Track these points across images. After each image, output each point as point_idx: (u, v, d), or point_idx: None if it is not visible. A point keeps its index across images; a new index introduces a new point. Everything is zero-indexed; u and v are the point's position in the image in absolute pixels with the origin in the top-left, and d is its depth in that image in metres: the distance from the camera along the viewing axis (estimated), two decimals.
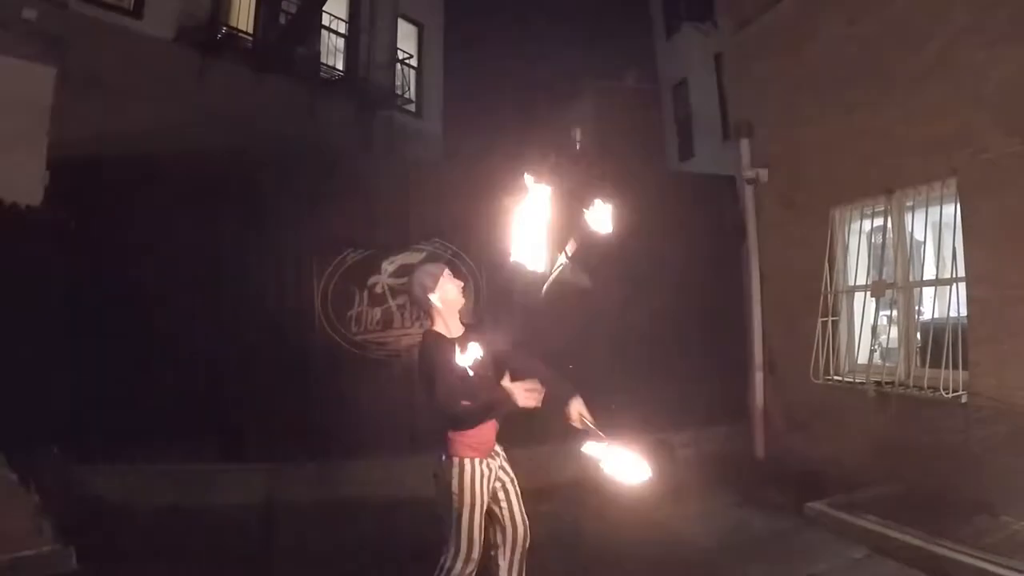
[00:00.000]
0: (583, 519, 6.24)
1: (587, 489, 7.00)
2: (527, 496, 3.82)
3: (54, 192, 6.70)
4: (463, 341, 3.58)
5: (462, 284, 3.78)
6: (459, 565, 3.55)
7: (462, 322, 3.80)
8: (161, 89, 9.69)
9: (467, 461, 3.57)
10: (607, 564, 5.32)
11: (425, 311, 3.80)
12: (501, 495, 3.72)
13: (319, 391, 7.20)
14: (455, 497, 3.55)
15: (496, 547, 3.74)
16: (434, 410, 3.57)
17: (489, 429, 3.67)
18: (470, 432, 3.56)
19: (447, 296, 3.69)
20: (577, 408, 3.68)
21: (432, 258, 7.45)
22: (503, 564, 3.71)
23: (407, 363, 7.34)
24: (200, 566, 5.24)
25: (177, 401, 6.79)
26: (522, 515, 3.76)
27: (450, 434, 3.57)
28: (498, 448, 3.76)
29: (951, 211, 5.95)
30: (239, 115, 10.35)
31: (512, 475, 3.78)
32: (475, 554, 3.57)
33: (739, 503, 6.66)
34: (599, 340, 7.92)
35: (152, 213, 6.88)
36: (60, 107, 7.15)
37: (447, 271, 3.75)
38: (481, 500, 3.60)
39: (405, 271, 7.45)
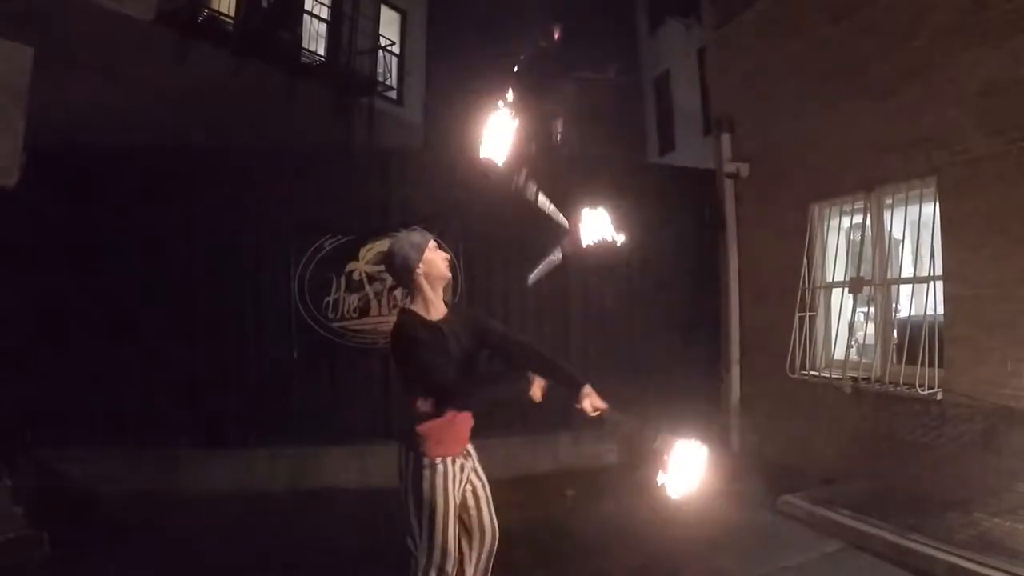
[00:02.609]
0: (555, 510, 6.24)
1: (560, 480, 7.07)
2: (500, 487, 3.57)
3: (30, 174, 6.57)
4: (447, 323, 3.26)
5: (449, 257, 3.43)
6: None
7: (445, 302, 3.38)
8: (140, 71, 9.55)
9: (439, 461, 3.18)
10: (579, 555, 5.31)
11: (408, 288, 3.33)
12: (471, 501, 3.36)
13: (295, 377, 7.15)
14: (426, 504, 3.15)
15: (461, 554, 3.37)
16: (411, 396, 3.20)
17: (463, 421, 3.30)
18: (441, 426, 3.17)
19: (433, 270, 3.25)
20: (590, 401, 3.12)
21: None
22: (469, 571, 3.39)
23: (384, 350, 7.30)
24: (174, 552, 5.17)
25: (152, 386, 6.73)
26: (491, 519, 3.42)
27: (420, 430, 3.17)
28: (470, 447, 3.39)
29: (930, 210, 5.98)
30: (219, 99, 10.24)
31: (484, 478, 3.43)
32: (449, 565, 3.19)
33: (713, 496, 6.66)
34: (575, 333, 7.92)
35: (129, 198, 6.81)
36: (37, 87, 7.01)
37: (433, 242, 3.31)
38: (455, 507, 3.23)
39: (383, 258, 7.41)
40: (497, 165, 3.11)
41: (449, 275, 3.35)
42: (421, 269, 3.23)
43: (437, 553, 3.16)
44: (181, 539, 5.44)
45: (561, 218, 3.33)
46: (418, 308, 3.28)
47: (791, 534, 5.57)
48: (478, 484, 3.43)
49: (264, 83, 11.66)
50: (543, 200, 3.27)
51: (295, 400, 7.12)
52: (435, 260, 3.26)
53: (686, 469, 3.01)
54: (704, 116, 15.12)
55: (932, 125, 5.89)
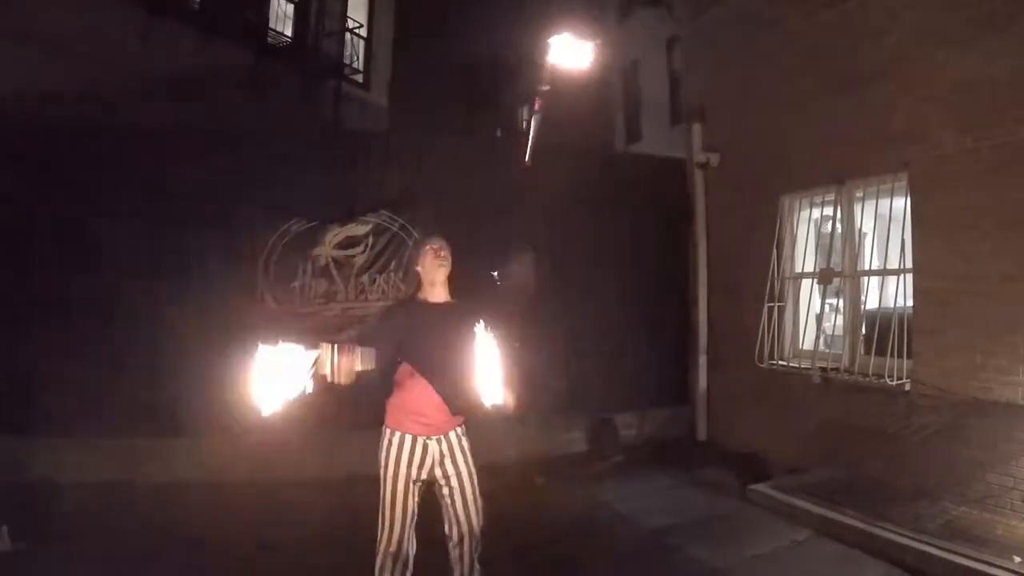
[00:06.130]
0: (524, 498, 6.21)
1: (528, 468, 7.04)
2: None
3: None
4: (444, 308, 3.75)
5: (442, 263, 3.78)
6: (381, 543, 3.53)
7: (452, 296, 3.84)
8: (103, 48, 9.24)
9: (396, 433, 3.57)
10: (547, 543, 5.29)
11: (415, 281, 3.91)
12: (444, 489, 3.64)
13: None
14: (380, 470, 3.57)
15: (448, 539, 3.68)
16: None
17: (420, 403, 3.56)
18: (398, 402, 3.59)
19: (424, 270, 3.79)
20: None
21: (379, 230, 7.37)
22: (453, 556, 3.65)
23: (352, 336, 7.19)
24: (138, 545, 5.02)
25: (114, 374, 6.51)
26: (467, 513, 3.64)
27: (387, 401, 3.63)
28: (454, 435, 3.67)
29: (900, 203, 6.04)
30: (184, 78, 9.97)
31: (464, 469, 3.66)
32: (396, 535, 3.52)
33: (682, 484, 6.73)
34: (544, 321, 7.85)
35: (89, 180, 6.59)
36: None
37: (432, 247, 3.80)
38: (405, 478, 3.54)
39: (350, 243, 7.31)
40: None
41: (438, 274, 3.79)
42: (419, 267, 3.82)
43: (386, 524, 3.54)
44: (145, 531, 5.28)
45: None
46: (419, 294, 3.85)
47: (761, 522, 5.62)
48: (453, 474, 3.63)
49: (230, 63, 11.39)
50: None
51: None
52: (425, 261, 3.78)
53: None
54: (671, 106, 15.16)
55: (904, 121, 5.95)
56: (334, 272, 7.29)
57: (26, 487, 5.69)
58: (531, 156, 3.91)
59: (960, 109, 5.53)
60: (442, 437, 3.61)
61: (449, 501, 3.63)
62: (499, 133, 21.55)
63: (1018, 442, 5.05)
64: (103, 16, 9.44)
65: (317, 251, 7.24)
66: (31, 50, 7.85)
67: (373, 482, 3.61)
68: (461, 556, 3.63)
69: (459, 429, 3.70)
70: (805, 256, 7.09)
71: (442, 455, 3.60)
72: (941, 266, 5.68)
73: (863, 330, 6.54)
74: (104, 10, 9.50)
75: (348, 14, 14.65)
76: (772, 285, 7.21)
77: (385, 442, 3.58)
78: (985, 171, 5.33)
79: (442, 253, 3.77)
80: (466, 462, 3.67)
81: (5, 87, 6.76)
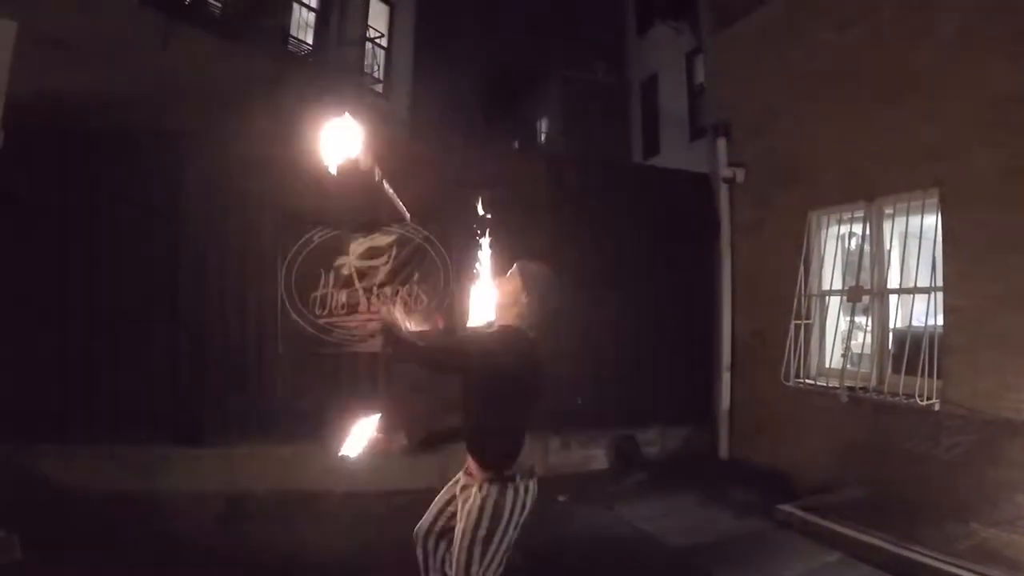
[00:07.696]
0: (545, 517, 6.14)
1: (550, 485, 6.96)
2: None
3: (7, 155, 6.30)
4: None
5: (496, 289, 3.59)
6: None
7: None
8: (125, 53, 9.29)
9: None
10: (574, 564, 5.22)
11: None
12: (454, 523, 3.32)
13: (279, 374, 6.97)
14: None
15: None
16: None
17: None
18: None
19: None
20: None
21: (403, 241, 7.32)
22: None
23: (373, 348, 7.16)
24: (153, 556, 4.96)
25: (130, 381, 6.48)
26: (456, 562, 3.18)
27: None
28: (477, 488, 3.19)
29: (931, 221, 5.98)
30: (204, 84, 10.02)
31: (461, 527, 3.18)
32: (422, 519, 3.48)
33: (706, 503, 6.66)
34: (566, 336, 7.77)
35: (110, 182, 6.56)
36: (18, 65, 6.76)
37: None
38: (444, 493, 3.47)
39: (374, 253, 7.27)
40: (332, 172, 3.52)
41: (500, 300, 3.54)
42: None
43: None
44: (159, 542, 5.21)
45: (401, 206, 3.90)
46: None
47: (790, 543, 5.55)
48: (455, 525, 3.27)
49: (250, 70, 11.43)
50: (390, 190, 3.76)
51: (279, 398, 6.93)
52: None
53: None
54: (690, 121, 15.17)
55: (936, 136, 5.89)
56: (357, 283, 7.25)
57: (38, 496, 5.64)
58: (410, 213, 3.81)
59: (992, 125, 5.47)
60: (472, 480, 3.27)
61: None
62: (517, 144, 21.63)
63: None
64: (124, 21, 9.50)
65: (340, 260, 7.21)
66: (51, 52, 7.87)
67: None
68: None
69: (488, 487, 3.16)
70: (833, 273, 7.02)
71: (462, 495, 3.30)
72: (973, 284, 5.62)
73: (891, 349, 6.47)
74: (125, 15, 9.57)
75: (369, 23, 14.70)
76: (799, 302, 7.15)
77: None
78: (1019, 187, 5.27)
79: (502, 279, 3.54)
80: (466, 521, 3.16)
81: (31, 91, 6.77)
